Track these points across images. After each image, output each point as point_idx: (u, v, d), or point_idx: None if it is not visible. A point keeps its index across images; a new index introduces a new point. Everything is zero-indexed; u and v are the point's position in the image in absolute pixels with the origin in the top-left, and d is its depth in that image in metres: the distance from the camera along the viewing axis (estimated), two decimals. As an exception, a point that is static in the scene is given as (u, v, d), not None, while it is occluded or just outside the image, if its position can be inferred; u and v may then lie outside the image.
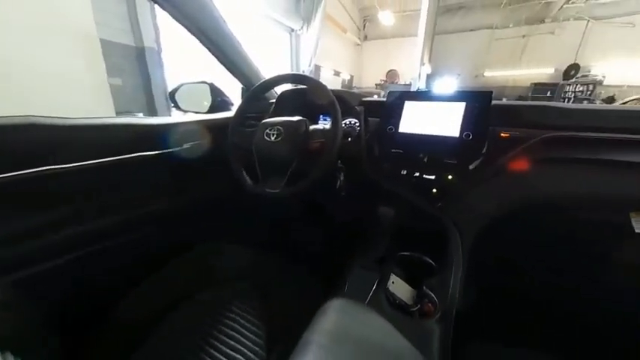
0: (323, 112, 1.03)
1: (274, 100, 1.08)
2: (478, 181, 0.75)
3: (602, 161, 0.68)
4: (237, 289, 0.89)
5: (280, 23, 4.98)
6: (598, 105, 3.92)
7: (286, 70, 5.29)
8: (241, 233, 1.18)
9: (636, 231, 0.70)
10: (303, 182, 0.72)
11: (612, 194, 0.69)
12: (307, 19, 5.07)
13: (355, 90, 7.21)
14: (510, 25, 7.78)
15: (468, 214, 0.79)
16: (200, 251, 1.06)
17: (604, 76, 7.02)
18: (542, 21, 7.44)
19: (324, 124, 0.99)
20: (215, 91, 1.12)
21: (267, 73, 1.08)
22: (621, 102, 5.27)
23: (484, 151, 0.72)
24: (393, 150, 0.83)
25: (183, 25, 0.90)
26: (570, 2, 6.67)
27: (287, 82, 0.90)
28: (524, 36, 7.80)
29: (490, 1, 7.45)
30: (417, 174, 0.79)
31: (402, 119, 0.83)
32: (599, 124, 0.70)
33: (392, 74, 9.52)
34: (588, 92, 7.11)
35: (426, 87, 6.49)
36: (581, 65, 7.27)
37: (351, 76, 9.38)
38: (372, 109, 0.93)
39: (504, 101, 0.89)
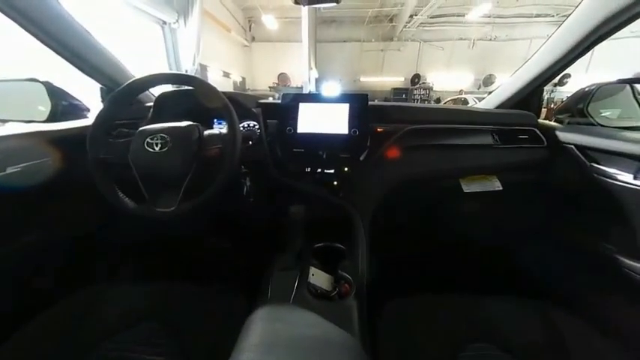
0: (216, 116, 0.95)
1: (152, 104, 0.90)
2: (367, 169, 0.90)
3: (442, 145, 0.94)
4: (143, 333, 0.72)
5: (147, 14, 4.22)
6: (433, 105, 5.44)
7: (164, 69, 4.56)
8: (133, 267, 0.95)
9: (465, 191, 1.01)
10: (204, 194, 0.64)
11: (450, 167, 0.97)
12: (183, 13, 4.51)
13: (250, 92, 7.04)
14: (373, 40, 9.57)
15: (363, 197, 0.92)
16: (79, 299, 0.79)
17: (433, 84, 9.81)
18: (392, 39, 9.53)
19: (219, 128, 0.91)
20: (55, 93, 0.83)
21: (138, 73, 0.89)
22: (443, 102, 7.47)
23: (368, 144, 0.86)
24: (294, 150, 0.87)
25: (6, 15, 0.63)
26: (407, 27, 8.78)
27: (168, 83, 0.75)
28: (382, 50, 9.77)
29: (356, 17, 8.86)
30: (320, 170, 0.86)
31: (299, 120, 0.87)
32: (436, 117, 0.97)
33: (283, 77, 9.85)
34: (426, 95, 9.80)
35: (316, 90, 7.09)
36: (421, 75, 9.82)
37: (243, 79, 9.08)
38: (270, 111, 0.93)
39: (376, 102, 1.08)
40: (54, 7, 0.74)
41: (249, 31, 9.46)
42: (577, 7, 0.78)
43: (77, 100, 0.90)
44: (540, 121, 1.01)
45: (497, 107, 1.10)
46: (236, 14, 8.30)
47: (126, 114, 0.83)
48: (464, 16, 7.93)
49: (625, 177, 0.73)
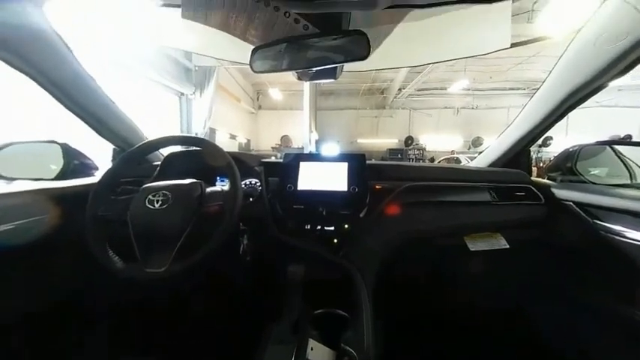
0: (220, 174, 0.98)
1: (159, 163, 0.95)
2: (368, 225, 0.88)
3: (441, 202, 0.95)
4: None
5: (169, 87, 4.82)
6: (428, 163, 5.72)
7: (175, 133, 4.94)
8: (108, 339, 0.83)
9: (471, 249, 0.97)
10: (198, 253, 0.62)
11: (451, 224, 0.95)
12: (200, 86, 5.16)
13: (254, 152, 7.48)
14: (367, 108, 10.66)
15: (364, 256, 0.88)
16: None
17: (426, 145, 10.50)
18: (384, 107, 10.62)
19: (221, 185, 0.93)
20: (70, 153, 0.88)
21: (150, 135, 0.96)
22: (437, 161, 7.84)
23: (367, 201, 0.86)
24: (294, 206, 0.87)
25: (33, 79, 0.72)
26: (397, 97, 9.89)
27: (178, 144, 0.81)
28: (376, 116, 10.79)
29: (352, 90, 10.06)
30: (319, 227, 0.84)
31: (300, 178, 0.90)
32: (433, 175, 1.01)
33: (285, 139, 10.59)
34: (420, 155, 10.37)
35: (316, 150, 7.54)
36: (413, 137, 10.58)
37: (248, 140, 9.75)
38: (271, 169, 0.97)
39: (374, 161, 1.14)
40: (78, 73, 0.82)
41: (257, 100, 10.63)
42: (544, 82, 0.89)
43: (89, 159, 0.95)
44: (534, 178, 1.04)
45: (490, 166, 1.15)
46: (246, 87, 9.47)
47: (133, 172, 0.86)
48: (446, 89, 9.04)
49: (633, 234, 0.71)
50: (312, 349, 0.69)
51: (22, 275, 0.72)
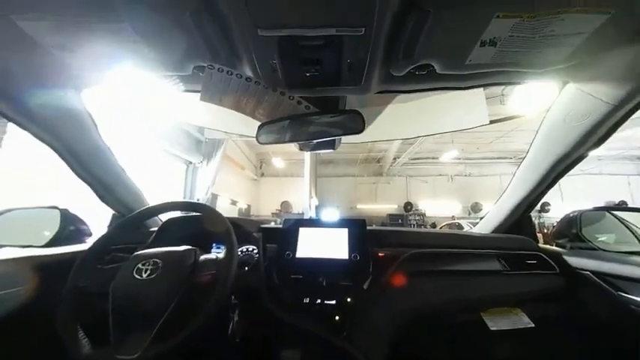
0: (217, 241, 0.95)
1: (156, 229, 0.93)
2: (372, 298, 0.80)
3: (450, 271, 0.89)
4: None
5: (179, 157, 5.16)
6: (431, 229, 5.60)
7: (177, 198, 5.03)
8: None
9: (491, 328, 0.86)
10: (182, 332, 0.54)
11: (463, 296, 0.87)
12: (208, 156, 5.52)
13: (253, 217, 7.43)
14: (365, 175, 11.15)
15: (371, 338, 0.76)
16: None
17: (425, 210, 10.51)
18: (381, 174, 11.13)
19: (217, 252, 0.89)
20: (68, 219, 0.88)
21: (153, 200, 0.97)
22: (439, 227, 7.72)
23: (371, 270, 0.81)
24: (293, 276, 0.81)
25: (50, 146, 0.78)
26: (392, 165, 10.47)
27: (178, 209, 0.81)
28: (374, 183, 11.18)
29: (350, 159, 10.73)
30: (319, 300, 0.76)
31: (299, 245, 0.87)
32: (437, 242, 0.97)
33: (286, 205, 10.69)
34: (421, 220, 10.27)
35: (316, 215, 7.52)
36: (412, 202, 10.70)
37: (248, 206, 9.83)
38: (270, 235, 0.95)
39: (374, 227, 1.12)
40: (98, 146, 0.87)
41: (260, 168, 11.21)
42: (527, 154, 0.95)
43: (85, 225, 0.93)
44: (542, 245, 1.01)
45: (493, 232, 1.13)
46: (250, 156, 10.14)
47: (127, 239, 0.83)
48: (438, 158, 9.66)
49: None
50: None
51: None
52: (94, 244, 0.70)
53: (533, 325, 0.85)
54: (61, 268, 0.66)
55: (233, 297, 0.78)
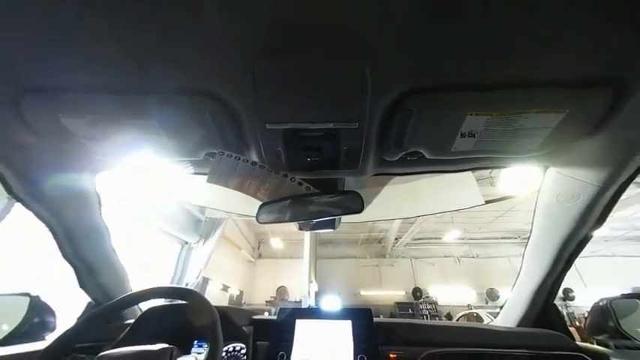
0: (199, 337, 0.81)
1: (132, 321, 0.81)
2: None
3: None
4: None
5: (175, 237, 5.03)
6: (447, 322, 4.88)
7: (165, 281, 4.63)
8: None
9: None
10: None
11: None
12: (205, 236, 5.38)
13: (245, 307, 6.61)
14: (367, 257, 10.56)
15: None
16: None
17: (437, 298, 9.42)
18: (384, 256, 10.55)
19: (196, 353, 0.74)
20: (36, 309, 0.78)
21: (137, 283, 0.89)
22: (455, 318, 6.78)
23: (382, 378, 0.66)
24: (286, 389, 0.65)
25: (48, 225, 0.77)
26: (395, 246, 10.07)
27: (162, 297, 0.72)
28: (377, 265, 10.47)
29: (351, 239, 10.41)
30: None
31: (295, 343, 0.74)
32: (456, 339, 0.83)
33: (282, 291, 9.69)
34: (434, 310, 9.08)
35: (315, 303, 6.70)
36: (421, 288, 9.71)
37: (241, 292, 8.92)
38: (262, 330, 0.82)
39: (382, 318, 0.98)
40: (96, 226, 0.85)
41: (257, 249, 10.74)
42: (530, 234, 0.93)
43: (53, 317, 0.82)
44: (580, 343, 0.86)
45: (518, 325, 0.98)
46: (249, 237, 9.87)
47: (96, 334, 0.71)
48: (441, 238, 9.39)
49: None
50: None
51: None
52: (54, 341, 0.59)
53: None
54: None
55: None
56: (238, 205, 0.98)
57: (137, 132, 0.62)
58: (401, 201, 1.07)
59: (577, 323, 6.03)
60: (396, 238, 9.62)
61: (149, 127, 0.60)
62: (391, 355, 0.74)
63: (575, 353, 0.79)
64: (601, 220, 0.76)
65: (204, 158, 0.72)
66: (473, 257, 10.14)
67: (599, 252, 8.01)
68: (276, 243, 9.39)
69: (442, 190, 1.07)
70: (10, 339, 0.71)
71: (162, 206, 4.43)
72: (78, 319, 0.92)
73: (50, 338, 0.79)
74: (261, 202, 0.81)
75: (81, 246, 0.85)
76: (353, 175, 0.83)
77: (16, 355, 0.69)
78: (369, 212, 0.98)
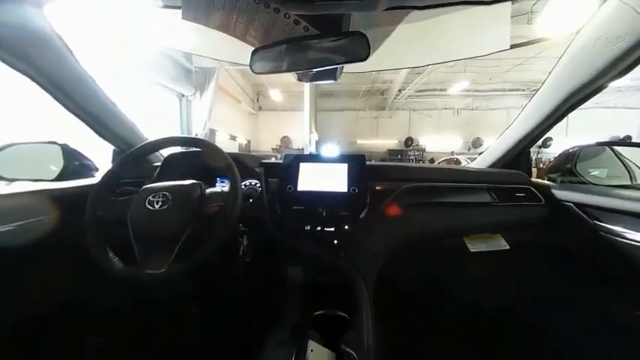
0: (220, 175, 0.98)
1: (159, 164, 0.95)
2: (368, 227, 0.88)
3: (441, 203, 0.95)
4: None
5: (169, 88, 4.83)
6: (428, 164, 5.73)
7: (175, 133, 4.95)
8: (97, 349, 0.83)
9: (471, 250, 0.97)
10: (198, 253, 0.61)
11: (451, 225, 0.95)
12: (200, 88, 5.17)
13: (254, 153, 7.49)
14: (367, 109, 10.67)
15: (365, 258, 0.88)
16: None
17: (425, 146, 10.48)
18: (384, 108, 10.63)
19: (222, 186, 0.93)
20: (70, 154, 0.88)
21: (151, 136, 0.96)
22: (437, 162, 7.84)
23: (368, 201, 0.86)
24: (294, 207, 0.87)
25: (26, 74, 0.72)
26: (396, 99, 9.90)
27: (178, 145, 0.81)
28: (376, 117, 10.79)
29: (352, 91, 10.08)
30: (319, 228, 0.84)
31: (300, 179, 0.90)
32: (432, 176, 1.01)
33: (286, 140, 10.59)
34: (420, 156, 10.37)
35: (316, 151, 7.54)
36: (414, 138, 10.57)
37: (248, 141, 9.76)
38: (271, 170, 0.97)
39: (374, 162, 1.14)
40: (79, 75, 0.82)
41: (257, 102, 10.64)
42: (543, 83, 0.89)
43: (89, 160, 0.95)
44: (534, 179, 1.04)
45: (489, 167, 1.15)
46: (246, 89, 9.49)
47: (133, 173, 0.86)
48: (446, 90, 9.05)
49: (633, 235, 0.71)
50: (312, 350, 0.69)
51: (20, 277, 0.72)
52: (103, 177, 0.72)
53: (508, 248, 0.96)
54: (78, 200, 0.70)
55: (241, 225, 0.86)
56: (227, 51, 0.86)
57: None
58: (414, 46, 0.92)
59: (541, 165, 7.00)
60: (399, 90, 9.27)
61: None
62: (377, 188, 0.92)
63: (524, 186, 0.98)
64: (629, 69, 0.70)
65: None
66: (472, 109, 10.23)
67: (602, 103, 7.94)
68: (275, 95, 9.15)
69: (464, 32, 0.89)
70: (62, 177, 0.86)
71: (146, 55, 3.93)
72: (112, 162, 1.07)
73: (98, 176, 0.96)
74: (253, 48, 0.71)
75: (77, 98, 0.84)
76: (361, 9, 0.67)
77: (76, 188, 0.87)
78: (376, 60, 0.87)
